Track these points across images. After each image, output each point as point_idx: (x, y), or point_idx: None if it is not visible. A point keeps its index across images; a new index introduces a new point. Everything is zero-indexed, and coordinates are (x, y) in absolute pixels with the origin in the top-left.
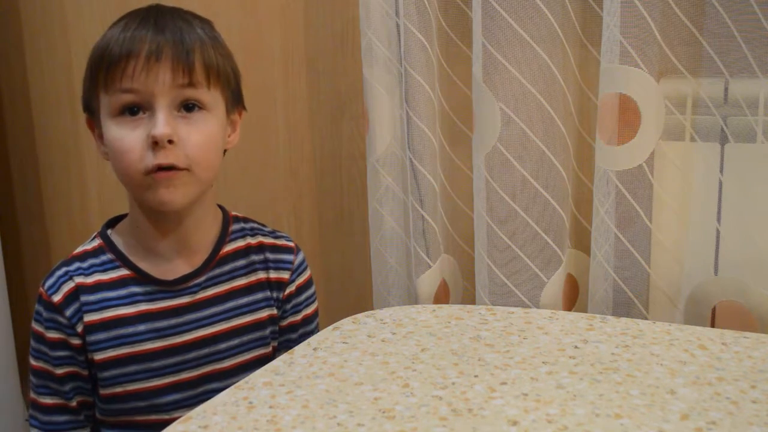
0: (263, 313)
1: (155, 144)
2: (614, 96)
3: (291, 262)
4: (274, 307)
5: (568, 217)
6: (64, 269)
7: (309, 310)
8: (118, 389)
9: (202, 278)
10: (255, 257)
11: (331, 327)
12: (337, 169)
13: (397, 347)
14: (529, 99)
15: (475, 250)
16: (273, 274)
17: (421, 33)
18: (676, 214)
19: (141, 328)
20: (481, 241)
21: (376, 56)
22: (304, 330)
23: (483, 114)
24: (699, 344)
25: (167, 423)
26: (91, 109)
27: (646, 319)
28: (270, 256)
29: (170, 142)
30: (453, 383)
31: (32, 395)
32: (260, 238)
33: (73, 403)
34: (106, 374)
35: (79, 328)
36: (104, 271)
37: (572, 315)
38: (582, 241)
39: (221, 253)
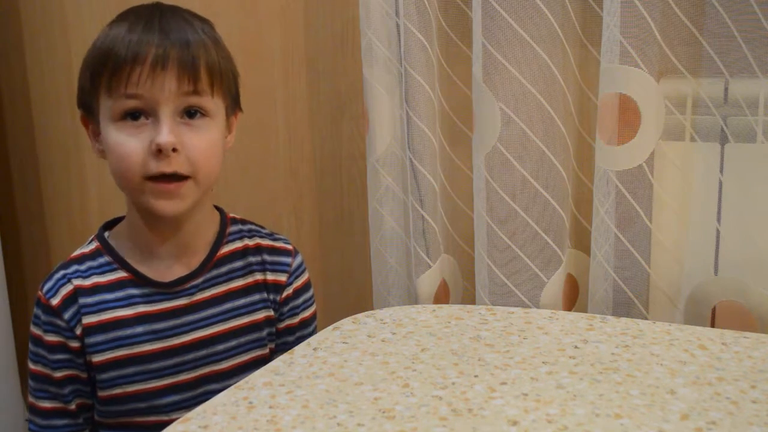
0: (260, 315)
1: (158, 152)
2: (614, 96)
3: (289, 265)
4: (271, 309)
5: (568, 217)
6: (62, 272)
7: (307, 314)
8: (117, 391)
9: (200, 280)
10: (252, 259)
11: (331, 327)
12: (337, 169)
13: (397, 347)
14: (529, 99)
15: (475, 250)
16: (270, 276)
17: (421, 33)
18: (676, 214)
19: (139, 329)
20: (481, 241)
21: (376, 56)
22: (302, 333)
23: (483, 114)
24: (699, 344)
25: (166, 424)
26: (88, 108)
27: (646, 319)
28: (267, 258)
29: (174, 150)
30: (453, 383)
31: (30, 399)
32: (258, 240)
33: (72, 407)
34: (105, 376)
35: (78, 331)
36: (102, 273)
37: (572, 315)
38: (582, 241)
39: (219, 254)
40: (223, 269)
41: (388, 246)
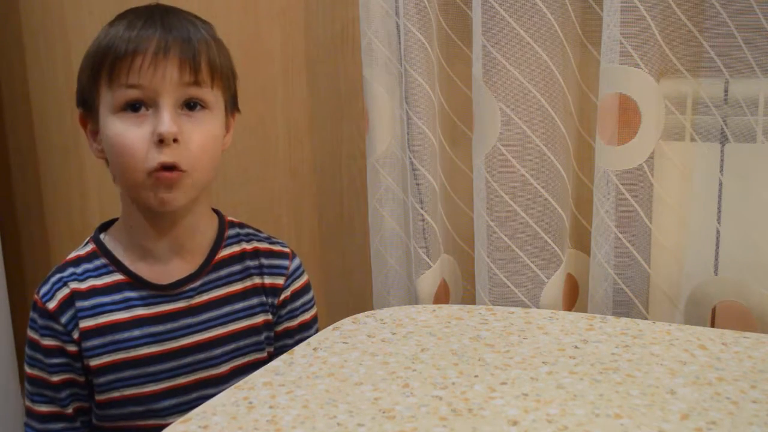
0: (258, 319)
1: (160, 142)
2: (614, 96)
3: (286, 268)
4: (269, 313)
5: (568, 217)
6: (58, 276)
7: (306, 316)
8: (115, 394)
9: (198, 283)
10: (250, 262)
11: (331, 327)
12: (337, 169)
13: (397, 347)
14: (529, 99)
15: (475, 250)
16: (268, 280)
17: (421, 33)
18: (676, 214)
19: (136, 333)
20: (481, 241)
21: (376, 56)
22: (301, 336)
23: (483, 114)
24: (699, 344)
25: (163, 428)
26: (87, 105)
27: (646, 319)
28: (265, 261)
29: (175, 140)
30: (453, 383)
31: (27, 403)
32: (255, 244)
33: (69, 410)
34: (102, 380)
35: (75, 335)
36: (98, 276)
37: (572, 315)
38: (582, 241)
39: (217, 257)
40: (222, 273)
41: (388, 246)
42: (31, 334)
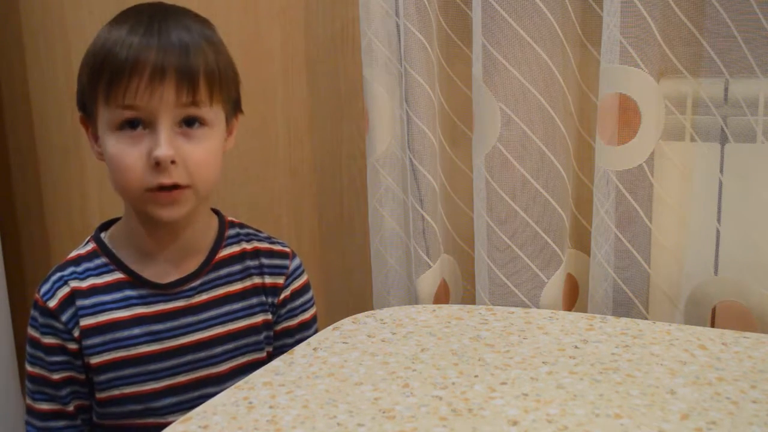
0: (258, 318)
1: (157, 164)
2: (614, 96)
3: (286, 267)
4: (269, 312)
5: (568, 217)
6: (58, 274)
7: (306, 316)
8: (115, 393)
9: (198, 282)
10: (250, 262)
11: (331, 327)
12: (337, 169)
13: (397, 347)
14: (529, 99)
15: (475, 250)
16: (268, 280)
17: (421, 33)
18: (676, 214)
19: (136, 331)
20: (481, 241)
21: (376, 56)
22: (301, 335)
23: (483, 114)
24: (699, 344)
25: (163, 427)
26: (87, 111)
27: (646, 319)
28: (265, 261)
29: (173, 162)
30: (453, 383)
31: (28, 401)
32: (255, 244)
33: (70, 408)
34: (102, 378)
35: (76, 333)
36: (99, 275)
37: (572, 315)
38: (582, 241)
39: (217, 257)
40: (222, 272)
41: (388, 246)
42: (32, 332)
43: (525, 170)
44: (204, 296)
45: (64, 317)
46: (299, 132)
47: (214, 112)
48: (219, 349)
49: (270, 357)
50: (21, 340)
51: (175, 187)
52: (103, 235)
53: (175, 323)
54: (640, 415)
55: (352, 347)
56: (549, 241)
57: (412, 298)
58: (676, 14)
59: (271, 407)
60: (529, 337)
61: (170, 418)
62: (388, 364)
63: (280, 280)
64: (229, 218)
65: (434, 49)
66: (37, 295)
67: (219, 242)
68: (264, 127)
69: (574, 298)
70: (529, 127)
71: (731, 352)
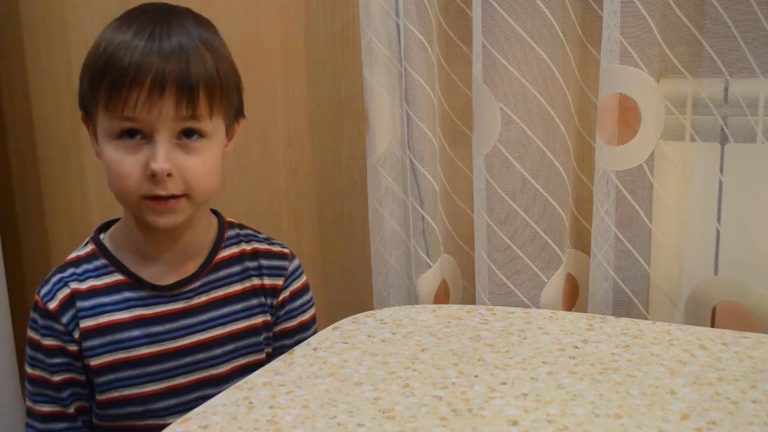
0: (258, 319)
1: (153, 176)
2: (614, 96)
3: (285, 269)
4: (268, 314)
5: (568, 217)
6: (58, 276)
7: (305, 317)
8: (114, 394)
9: (197, 284)
10: (249, 263)
11: (331, 327)
12: (337, 169)
13: (397, 347)
14: (529, 99)
15: (475, 250)
16: (267, 281)
17: (421, 33)
18: (676, 214)
19: (136, 333)
20: (481, 241)
21: (376, 56)
22: (300, 337)
23: (483, 114)
24: (699, 344)
25: (163, 428)
26: (87, 112)
27: (646, 319)
28: (264, 262)
29: (168, 175)
30: (453, 383)
31: (28, 403)
32: (255, 245)
33: (71, 410)
34: (102, 379)
35: (76, 335)
36: (98, 276)
37: (572, 315)
38: (582, 241)
39: (216, 258)
40: (221, 273)
41: (388, 246)
42: (32, 334)
43: (525, 170)
44: (203, 298)
45: (65, 319)
46: (299, 132)
47: (213, 125)
48: (218, 351)
49: (269, 358)
50: (21, 341)
51: (172, 196)
52: (102, 236)
53: (175, 325)
54: (640, 415)
55: (352, 347)
56: (549, 241)
57: (412, 298)
58: (676, 14)
59: (271, 407)
60: (529, 337)
61: (170, 420)
62: (388, 364)
63: (279, 282)
64: (229, 219)
65: (434, 49)
66: (37, 297)
67: (218, 243)
68: (264, 127)
69: (574, 298)
70: (529, 127)
71: (731, 352)
